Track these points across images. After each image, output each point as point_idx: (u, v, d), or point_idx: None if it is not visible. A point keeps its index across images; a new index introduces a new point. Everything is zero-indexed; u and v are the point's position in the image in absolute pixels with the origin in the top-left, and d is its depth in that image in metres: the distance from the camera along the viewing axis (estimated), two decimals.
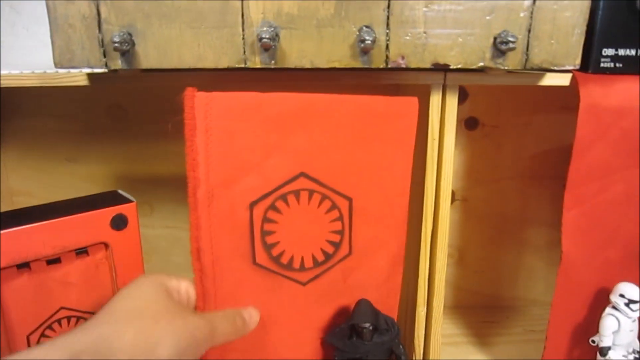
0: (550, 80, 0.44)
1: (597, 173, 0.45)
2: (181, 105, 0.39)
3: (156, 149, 0.69)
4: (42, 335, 0.40)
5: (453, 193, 0.68)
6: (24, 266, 0.38)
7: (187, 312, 0.36)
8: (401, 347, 0.42)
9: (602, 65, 0.43)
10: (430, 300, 0.50)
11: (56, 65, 0.40)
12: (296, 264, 0.42)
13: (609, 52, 0.42)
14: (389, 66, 0.38)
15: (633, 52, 0.42)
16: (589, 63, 0.43)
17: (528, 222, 0.70)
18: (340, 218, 0.42)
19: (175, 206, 0.72)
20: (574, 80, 0.43)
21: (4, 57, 0.70)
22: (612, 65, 0.43)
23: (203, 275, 0.40)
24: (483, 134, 0.66)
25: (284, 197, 0.41)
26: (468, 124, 0.65)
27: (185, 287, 0.40)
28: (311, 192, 0.41)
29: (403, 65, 0.38)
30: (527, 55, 0.38)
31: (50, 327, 0.40)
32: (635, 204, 0.46)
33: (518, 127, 0.66)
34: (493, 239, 0.71)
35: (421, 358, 0.53)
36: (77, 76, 0.46)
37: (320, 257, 0.43)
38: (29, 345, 0.39)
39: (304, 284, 0.43)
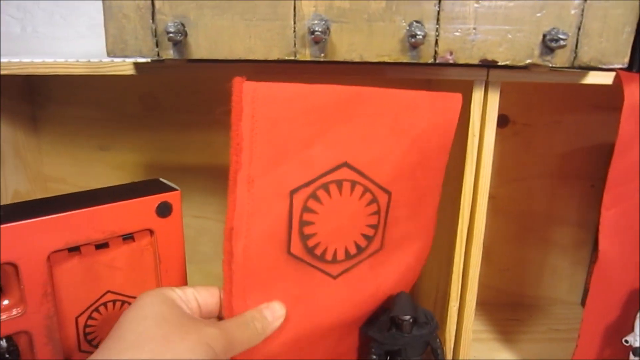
0: (594, 78, 0.44)
1: (637, 173, 0.45)
2: (229, 95, 0.40)
3: (187, 139, 0.70)
4: (90, 317, 0.41)
5: None
6: (74, 250, 0.39)
7: (200, 324, 0.34)
8: (438, 340, 0.43)
9: None
10: (463, 296, 0.51)
11: (109, 54, 0.41)
12: (329, 256, 0.42)
13: None
14: (437, 61, 0.38)
15: None
16: (634, 62, 0.43)
17: (555, 221, 0.70)
18: (378, 212, 0.42)
19: (204, 196, 0.72)
20: (617, 78, 0.43)
21: (41, 47, 0.71)
22: None
23: (232, 258, 0.39)
24: (513, 131, 0.66)
25: (325, 187, 0.41)
26: (499, 121, 0.65)
27: (192, 295, 0.38)
28: (354, 183, 0.41)
29: (451, 61, 0.38)
30: (575, 53, 0.38)
31: (97, 309, 0.41)
32: None
33: (548, 126, 0.66)
34: (519, 237, 0.71)
35: (451, 353, 0.54)
36: (124, 65, 0.46)
37: (352, 250, 0.43)
38: (77, 326, 0.40)
39: (334, 277, 0.43)
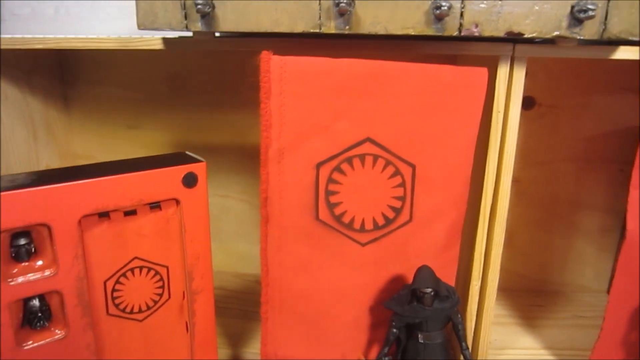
0: (624, 53, 0.43)
1: None
2: (255, 68, 0.41)
3: (212, 119, 0.71)
4: (117, 282, 0.42)
5: None
6: (104, 215, 0.40)
7: None
8: (459, 316, 0.43)
9: None
10: (485, 275, 0.51)
11: (139, 26, 0.42)
12: (357, 225, 0.44)
13: None
14: (462, 34, 0.38)
15: None
16: None
17: (581, 206, 0.69)
18: (403, 184, 0.43)
19: (228, 175, 0.74)
20: None
21: (73, 28, 0.73)
22: None
23: (269, 222, 0.43)
24: (539, 114, 0.65)
25: (349, 160, 0.42)
26: (524, 103, 0.64)
27: None
28: (376, 157, 0.42)
29: (476, 34, 0.38)
30: (605, 25, 0.37)
31: (124, 274, 0.42)
32: None
33: (576, 108, 0.64)
34: (543, 222, 0.70)
35: (472, 332, 0.54)
36: (153, 40, 0.47)
37: (380, 221, 0.44)
38: (105, 290, 0.41)
39: (362, 245, 0.44)
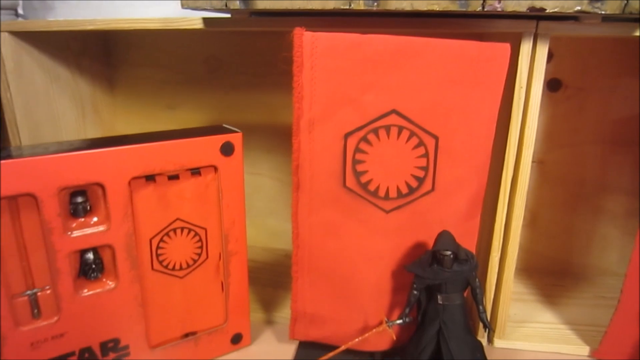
0: None
1: None
2: (289, 45, 0.44)
3: (246, 100, 0.74)
4: (161, 240, 0.46)
5: None
6: (150, 179, 0.44)
7: None
8: (477, 280, 0.45)
9: None
10: (505, 248, 0.53)
11: (183, 5, 0.45)
12: (381, 193, 0.46)
13: None
14: (486, 10, 0.40)
15: None
16: None
17: (606, 189, 0.70)
18: (426, 155, 0.45)
19: (260, 154, 0.77)
20: None
21: (115, 12, 0.78)
22: None
23: (299, 189, 0.47)
24: (566, 96, 0.66)
25: (375, 131, 0.45)
26: (551, 85, 0.66)
27: None
28: (400, 129, 0.45)
29: (499, 9, 0.40)
30: (627, 0, 0.39)
31: (167, 234, 0.46)
32: None
33: (603, 91, 0.65)
34: (568, 204, 0.71)
35: (491, 303, 0.56)
36: (194, 20, 0.51)
37: (404, 190, 0.46)
38: (150, 247, 0.45)
39: (387, 212, 0.47)
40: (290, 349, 0.55)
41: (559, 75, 0.65)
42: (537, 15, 0.43)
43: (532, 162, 0.69)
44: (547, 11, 0.40)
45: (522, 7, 0.40)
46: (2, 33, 0.56)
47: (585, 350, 0.56)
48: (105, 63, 0.76)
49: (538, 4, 0.39)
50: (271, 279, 0.71)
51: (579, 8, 0.39)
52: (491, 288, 0.55)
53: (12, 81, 0.58)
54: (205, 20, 0.51)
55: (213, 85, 0.75)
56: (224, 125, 0.51)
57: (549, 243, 0.74)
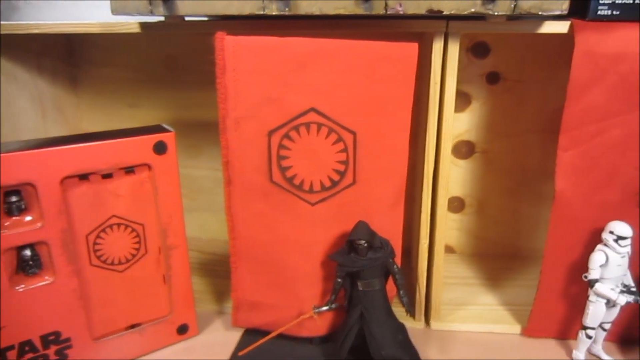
0: (549, 27, 0.46)
1: (594, 116, 0.48)
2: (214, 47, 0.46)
3: (204, 97, 0.76)
4: (98, 236, 0.49)
5: (473, 145, 0.72)
6: (84, 178, 0.47)
7: None
8: (395, 266, 0.48)
9: (599, 12, 0.45)
10: (433, 235, 0.55)
11: (113, 12, 0.48)
12: (306, 186, 0.49)
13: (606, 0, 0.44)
14: (388, 12, 0.42)
15: None
16: (587, 11, 0.45)
17: (548, 175, 0.71)
18: (346, 150, 0.48)
19: (220, 149, 0.79)
20: (571, 27, 0.46)
21: (79, 14, 0.80)
22: (609, 12, 0.45)
23: (231, 183, 0.51)
24: (505, 88, 0.68)
25: (296, 128, 0.47)
26: (489, 78, 0.68)
27: None
28: (320, 125, 0.47)
29: (401, 12, 0.42)
30: (515, 1, 0.41)
31: (104, 230, 0.49)
32: (633, 147, 0.48)
33: (540, 82, 0.67)
34: (513, 191, 0.74)
35: (424, 289, 0.58)
36: (131, 25, 0.53)
37: (327, 183, 0.49)
38: (87, 243, 0.48)
39: (312, 204, 0.50)
40: (237, 337, 0.58)
41: (497, 68, 0.67)
42: (445, 16, 0.45)
43: (476, 152, 0.73)
44: (444, 13, 0.42)
45: (421, 9, 0.42)
46: None
47: (517, 328, 0.59)
48: (68, 62, 0.78)
49: (435, 7, 0.42)
50: (228, 271, 0.73)
51: (473, 10, 0.41)
52: (423, 273, 0.57)
53: None
54: (141, 24, 0.53)
55: (172, 84, 0.77)
56: (162, 124, 0.53)
57: (497, 229, 0.76)
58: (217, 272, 0.73)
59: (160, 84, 0.78)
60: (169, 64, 0.76)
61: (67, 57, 0.78)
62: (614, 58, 0.45)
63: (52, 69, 0.74)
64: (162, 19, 0.54)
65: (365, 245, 0.46)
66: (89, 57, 0.78)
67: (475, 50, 0.67)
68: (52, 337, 0.48)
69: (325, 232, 0.51)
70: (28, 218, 0.45)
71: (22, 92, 0.70)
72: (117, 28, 0.54)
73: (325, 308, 0.50)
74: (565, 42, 0.47)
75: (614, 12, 0.45)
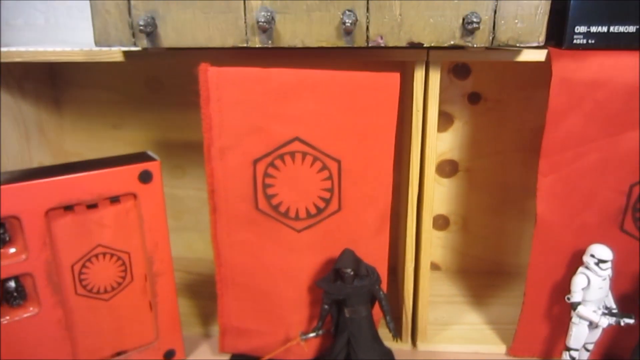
0: (527, 56, 0.48)
1: (572, 142, 0.49)
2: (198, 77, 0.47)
3: (188, 118, 0.77)
4: (83, 266, 0.49)
5: (457, 164, 0.73)
6: (69, 208, 0.47)
7: None
8: (381, 292, 0.49)
9: (575, 41, 0.46)
10: (418, 257, 0.56)
11: (96, 43, 0.48)
12: (292, 214, 0.49)
13: (582, 29, 0.46)
14: (370, 45, 0.43)
15: (605, 28, 0.46)
16: (563, 40, 0.46)
17: (529, 192, 0.72)
18: (330, 177, 0.49)
19: (204, 170, 0.80)
20: (548, 55, 0.47)
21: (58, 36, 0.80)
22: (584, 41, 0.46)
23: (217, 211, 0.51)
24: (486, 108, 0.69)
25: (281, 157, 0.48)
26: (471, 98, 0.69)
27: None
28: (304, 154, 0.48)
29: (382, 44, 0.43)
30: (494, 33, 0.42)
31: (89, 260, 0.49)
32: (611, 171, 0.50)
33: (520, 102, 0.69)
34: (496, 208, 0.75)
35: (410, 310, 0.59)
36: (115, 53, 0.54)
37: (312, 210, 0.49)
38: (73, 273, 0.48)
39: (298, 231, 0.50)
40: None
41: (478, 89, 0.69)
42: (426, 47, 0.46)
43: (460, 170, 0.74)
44: (425, 45, 0.43)
45: (402, 42, 0.43)
46: None
47: (502, 348, 0.60)
48: (51, 85, 0.78)
49: (416, 39, 0.43)
50: (214, 292, 0.73)
51: (452, 42, 0.42)
52: (409, 295, 0.58)
53: None
54: (125, 53, 0.53)
55: (156, 105, 0.77)
56: (148, 152, 0.54)
57: (482, 245, 0.77)
58: (204, 293, 0.73)
59: (143, 105, 0.78)
60: (152, 85, 0.77)
61: (49, 79, 0.77)
62: (590, 85, 0.46)
63: (34, 91, 0.74)
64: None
65: (352, 273, 0.46)
66: (72, 79, 0.77)
67: (457, 71, 0.68)
68: None
69: (311, 259, 0.51)
70: (12, 250, 0.45)
71: (5, 115, 0.69)
72: (101, 57, 0.54)
73: (312, 335, 0.50)
74: (542, 64, 0.48)
75: (589, 41, 0.46)
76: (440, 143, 0.72)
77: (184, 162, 0.80)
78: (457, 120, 0.71)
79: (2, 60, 0.57)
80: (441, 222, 0.76)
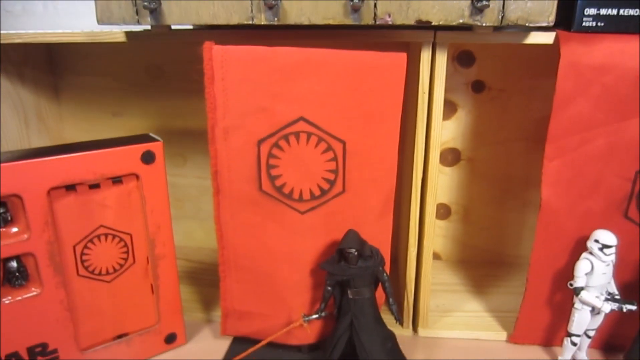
0: (535, 38, 0.47)
1: (579, 127, 0.49)
2: (202, 56, 0.46)
3: (189, 106, 0.76)
4: (85, 247, 0.48)
5: (459, 153, 0.73)
6: (71, 188, 0.46)
7: None
8: (385, 274, 0.48)
9: (584, 24, 0.46)
10: (421, 243, 0.56)
11: (98, 22, 0.47)
12: (295, 195, 0.49)
13: (591, 11, 0.46)
14: (377, 23, 0.43)
15: (614, 11, 0.45)
16: (572, 22, 0.46)
17: (532, 182, 0.73)
18: (335, 159, 0.48)
19: (206, 158, 0.78)
20: (557, 38, 0.47)
21: (57, 22, 0.79)
22: (594, 24, 0.46)
23: (220, 193, 0.50)
24: (490, 97, 0.69)
25: (285, 137, 0.47)
26: (475, 87, 0.69)
27: None
28: (309, 135, 0.47)
29: (390, 22, 0.43)
30: (503, 12, 0.42)
31: (91, 240, 0.48)
32: (617, 157, 0.49)
33: (524, 91, 0.68)
34: (497, 198, 0.74)
35: (412, 296, 0.59)
36: (117, 34, 0.53)
37: (316, 192, 0.49)
38: (75, 253, 0.48)
39: (302, 213, 0.49)
40: (225, 345, 0.58)
41: (482, 77, 0.68)
42: (433, 26, 0.45)
43: (462, 159, 0.73)
44: (433, 24, 0.42)
45: (410, 20, 0.42)
46: None
47: (503, 335, 0.59)
48: (50, 72, 0.77)
49: (424, 18, 0.42)
50: (215, 280, 0.73)
51: (461, 20, 0.42)
52: (411, 281, 0.58)
53: None
54: (127, 33, 0.53)
55: (156, 92, 0.77)
56: (150, 134, 0.53)
57: (483, 236, 0.77)
58: (204, 280, 0.72)
59: (144, 92, 0.77)
60: (152, 72, 0.76)
61: (48, 66, 0.77)
62: (599, 69, 0.46)
63: (33, 78, 0.73)
64: (148, 28, 0.53)
65: (356, 254, 0.46)
66: (71, 66, 0.77)
67: (461, 59, 0.68)
68: (38, 349, 0.47)
69: (315, 241, 0.51)
70: (14, 230, 0.45)
71: (4, 102, 0.68)
72: (102, 37, 0.54)
73: (315, 316, 0.50)
74: (547, 52, 0.48)
75: (599, 24, 0.46)
76: (443, 131, 0.71)
77: (185, 150, 0.79)
78: (461, 108, 0.70)
79: (2, 42, 0.56)
80: (442, 212, 0.76)
